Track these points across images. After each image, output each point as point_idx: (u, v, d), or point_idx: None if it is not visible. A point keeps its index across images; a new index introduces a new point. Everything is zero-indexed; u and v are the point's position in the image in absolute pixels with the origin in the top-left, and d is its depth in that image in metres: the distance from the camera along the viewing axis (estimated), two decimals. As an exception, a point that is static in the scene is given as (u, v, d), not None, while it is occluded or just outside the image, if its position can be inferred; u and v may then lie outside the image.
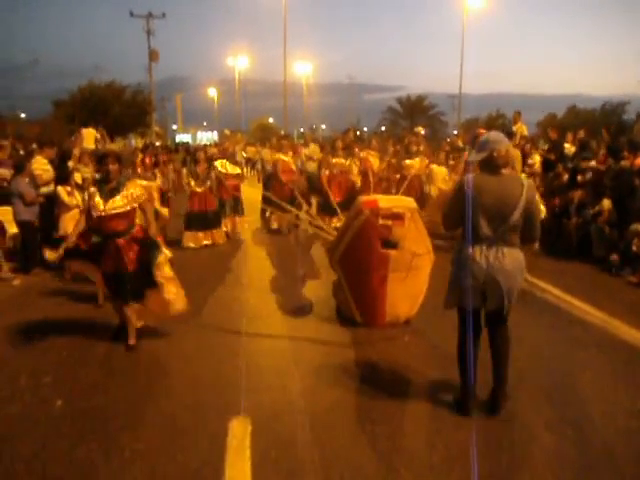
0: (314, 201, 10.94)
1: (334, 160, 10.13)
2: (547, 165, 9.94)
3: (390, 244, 4.81)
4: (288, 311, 5.72)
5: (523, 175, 8.15)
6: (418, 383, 4.04)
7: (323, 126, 64.75)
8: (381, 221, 4.77)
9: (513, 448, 3.18)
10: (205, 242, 8.89)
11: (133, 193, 4.57)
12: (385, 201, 4.93)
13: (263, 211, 11.02)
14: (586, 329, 5.09)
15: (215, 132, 56.96)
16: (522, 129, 12.13)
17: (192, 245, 8.74)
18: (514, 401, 3.64)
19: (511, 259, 3.31)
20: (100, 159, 4.68)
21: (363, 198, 5.08)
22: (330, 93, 76.06)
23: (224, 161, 9.72)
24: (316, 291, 6.40)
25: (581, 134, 11.27)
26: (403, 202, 5.01)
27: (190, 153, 17.85)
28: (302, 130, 53.63)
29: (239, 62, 47.39)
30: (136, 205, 4.61)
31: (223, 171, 9.53)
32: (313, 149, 13.03)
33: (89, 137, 8.08)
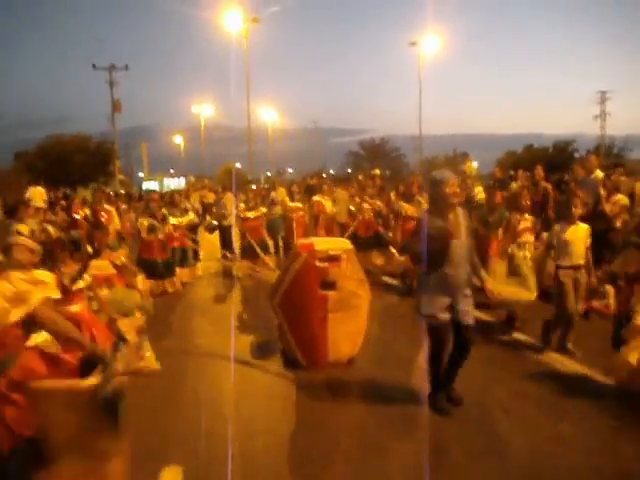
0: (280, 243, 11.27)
1: (291, 204, 10.46)
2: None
3: (328, 285, 4.96)
4: (233, 357, 5.72)
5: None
6: (353, 423, 4.11)
7: (290, 170, 65.73)
8: (318, 263, 4.92)
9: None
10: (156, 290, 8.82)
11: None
12: (321, 243, 5.10)
13: (224, 257, 11.12)
14: (526, 361, 5.25)
15: (183, 179, 57.16)
16: (471, 169, 12.63)
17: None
18: (441, 432, 3.76)
19: None
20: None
21: (300, 241, 5.24)
22: (296, 138, 77.63)
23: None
24: (264, 335, 6.41)
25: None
26: (339, 244, 5.18)
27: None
28: (269, 174, 54.34)
29: (204, 109, 48.16)
30: None
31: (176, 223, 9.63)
32: (280, 192, 13.33)
33: (37, 196, 8.00)
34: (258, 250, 9.70)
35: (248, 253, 10.16)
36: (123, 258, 5.32)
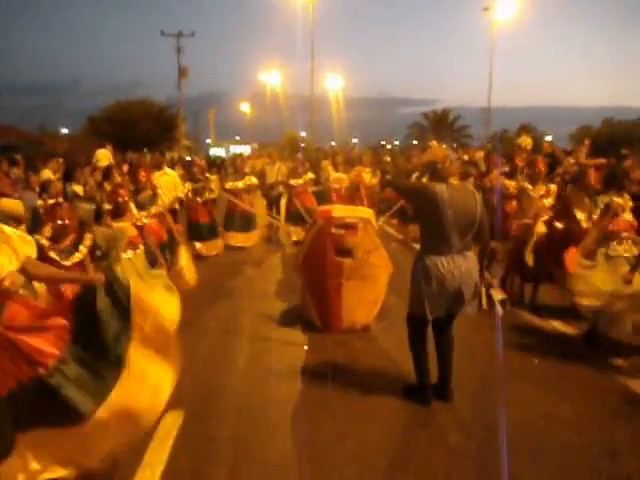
0: None
1: (334, 175, 10.50)
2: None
3: (343, 252, 5.03)
4: (257, 314, 5.91)
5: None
6: (350, 389, 4.14)
7: (355, 140, 65.26)
8: (334, 230, 5.00)
9: (418, 446, 3.34)
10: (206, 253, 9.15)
11: None
12: (339, 211, 5.17)
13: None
14: (535, 336, 5.15)
15: (249, 146, 58.19)
16: (526, 142, 12.10)
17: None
18: (433, 403, 3.80)
19: (473, 262, 3.63)
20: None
21: (320, 208, 5.32)
22: (363, 107, 76.92)
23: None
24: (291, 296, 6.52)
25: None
26: (357, 212, 5.22)
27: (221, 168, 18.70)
28: (333, 144, 53.95)
29: (271, 77, 48.30)
30: None
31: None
32: (325, 163, 13.38)
33: (103, 157, 8.50)
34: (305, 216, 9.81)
35: (294, 219, 10.24)
36: (145, 220, 5.50)
